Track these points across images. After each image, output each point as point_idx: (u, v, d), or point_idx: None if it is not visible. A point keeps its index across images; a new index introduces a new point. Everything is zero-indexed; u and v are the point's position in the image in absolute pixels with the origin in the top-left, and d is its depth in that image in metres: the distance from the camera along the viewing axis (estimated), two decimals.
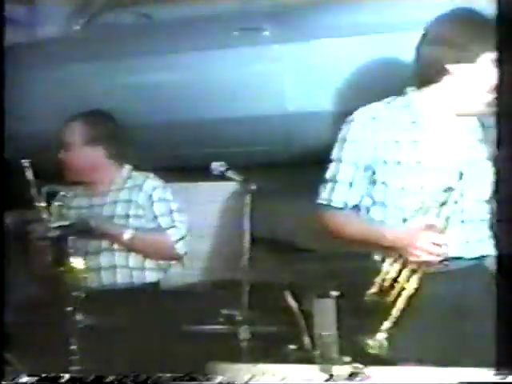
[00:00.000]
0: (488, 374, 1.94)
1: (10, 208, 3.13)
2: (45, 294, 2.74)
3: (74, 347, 2.45)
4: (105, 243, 2.77)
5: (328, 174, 2.26)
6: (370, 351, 2.12)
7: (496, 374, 1.91)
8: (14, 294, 2.72)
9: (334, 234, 2.27)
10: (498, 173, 2.14)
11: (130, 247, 2.77)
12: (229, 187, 2.72)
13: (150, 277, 2.82)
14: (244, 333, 2.62)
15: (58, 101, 3.36)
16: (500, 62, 2.05)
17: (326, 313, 2.09)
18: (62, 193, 2.89)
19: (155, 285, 2.83)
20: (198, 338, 2.73)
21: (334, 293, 2.12)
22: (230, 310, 2.71)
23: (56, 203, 2.88)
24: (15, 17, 3.77)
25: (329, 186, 2.25)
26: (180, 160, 3.24)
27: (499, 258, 2.10)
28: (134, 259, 2.80)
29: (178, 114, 3.21)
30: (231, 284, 2.78)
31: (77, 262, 2.56)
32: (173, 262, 2.87)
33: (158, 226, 2.80)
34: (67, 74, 3.40)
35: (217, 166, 2.72)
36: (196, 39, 3.23)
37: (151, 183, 2.85)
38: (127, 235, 2.74)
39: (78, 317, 2.47)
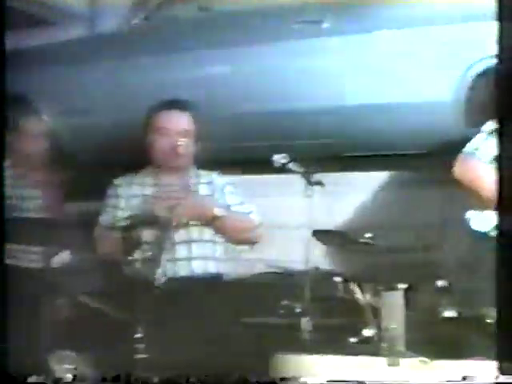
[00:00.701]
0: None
1: (76, 198, 3.22)
2: (112, 283, 2.77)
3: (139, 335, 2.47)
4: (179, 234, 2.78)
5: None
6: None
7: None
8: (79, 283, 2.78)
9: (471, 184, 2.27)
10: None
11: (218, 224, 2.78)
12: (291, 179, 2.73)
13: (218, 268, 2.84)
14: (305, 325, 2.62)
15: (116, 94, 3.40)
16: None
17: (393, 306, 2.09)
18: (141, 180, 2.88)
19: (221, 276, 2.85)
20: (260, 329, 2.74)
21: (402, 285, 2.12)
22: (291, 301, 2.71)
23: (124, 193, 2.89)
24: (76, 12, 3.83)
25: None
26: (242, 152, 3.25)
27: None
28: (206, 249, 2.82)
29: (238, 107, 3.22)
30: (293, 275, 2.79)
31: (146, 252, 2.57)
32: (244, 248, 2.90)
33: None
34: (127, 68, 3.43)
35: (279, 158, 2.73)
36: (256, 32, 3.24)
37: (222, 179, 2.92)
38: (219, 211, 2.77)
39: (144, 306, 2.49)
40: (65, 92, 3.46)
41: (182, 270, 2.76)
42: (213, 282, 2.78)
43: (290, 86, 3.18)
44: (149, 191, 2.85)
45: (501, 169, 2.20)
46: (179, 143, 2.84)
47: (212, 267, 2.81)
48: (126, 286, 2.58)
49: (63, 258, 2.80)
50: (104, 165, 3.35)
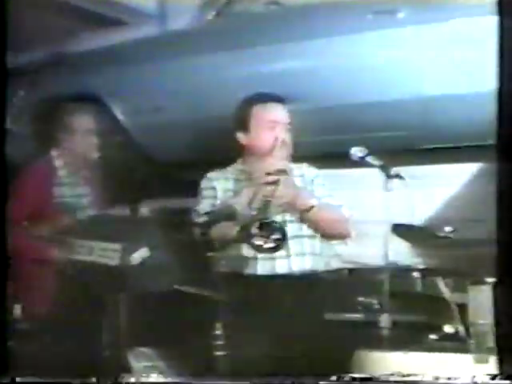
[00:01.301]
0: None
1: (151, 197, 3.25)
2: (191, 279, 2.77)
3: (218, 332, 2.48)
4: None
5: None
6: None
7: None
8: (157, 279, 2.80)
9: None
10: None
11: (313, 215, 2.73)
12: (370, 173, 2.69)
13: (314, 265, 2.79)
14: (384, 321, 2.58)
15: (189, 92, 3.42)
16: None
17: (481, 300, 2.03)
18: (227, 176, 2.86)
19: (316, 273, 2.80)
20: (339, 326, 2.71)
21: (490, 279, 2.05)
22: (370, 297, 2.68)
23: (220, 186, 2.87)
24: (147, 11, 3.87)
25: None
26: (319, 146, 3.22)
27: None
28: (303, 246, 2.78)
29: (312, 100, 3.20)
30: (372, 271, 2.76)
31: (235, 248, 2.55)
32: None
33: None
34: (200, 64, 3.44)
35: (356, 152, 2.70)
36: (329, 24, 3.20)
37: (313, 171, 2.87)
38: (314, 201, 2.73)
39: (224, 302, 2.49)
40: (138, 91, 3.50)
41: (279, 267, 2.73)
42: (301, 279, 2.73)
43: (366, 77, 3.13)
44: (243, 185, 2.80)
45: None
46: (285, 135, 2.83)
47: (308, 264, 2.76)
48: (213, 281, 2.57)
49: (142, 254, 2.82)
50: (179, 162, 3.39)
